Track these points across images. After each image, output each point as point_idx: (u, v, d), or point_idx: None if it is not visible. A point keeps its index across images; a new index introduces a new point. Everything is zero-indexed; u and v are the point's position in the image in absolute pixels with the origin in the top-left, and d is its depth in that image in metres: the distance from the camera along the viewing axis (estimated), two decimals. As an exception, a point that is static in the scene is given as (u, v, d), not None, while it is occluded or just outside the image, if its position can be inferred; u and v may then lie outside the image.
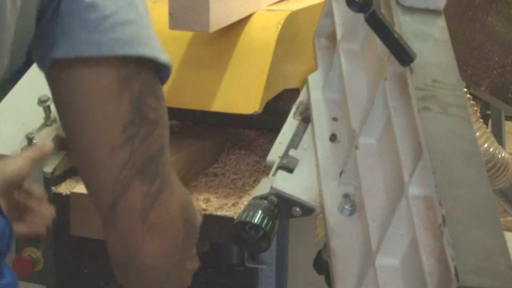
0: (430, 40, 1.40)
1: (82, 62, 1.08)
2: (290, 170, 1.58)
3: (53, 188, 1.93)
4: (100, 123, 1.10)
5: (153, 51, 1.11)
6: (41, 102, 1.98)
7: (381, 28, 1.30)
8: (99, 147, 1.11)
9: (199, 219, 1.28)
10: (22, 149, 1.94)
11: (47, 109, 1.98)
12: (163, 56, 1.12)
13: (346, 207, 1.45)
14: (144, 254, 1.14)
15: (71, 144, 1.15)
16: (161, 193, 1.14)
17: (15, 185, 1.52)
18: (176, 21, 1.83)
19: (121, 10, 1.08)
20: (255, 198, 1.56)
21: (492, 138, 2.26)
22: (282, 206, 1.54)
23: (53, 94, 1.14)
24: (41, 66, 1.14)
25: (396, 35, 1.30)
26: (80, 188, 1.86)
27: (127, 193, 1.11)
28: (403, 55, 1.32)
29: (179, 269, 1.24)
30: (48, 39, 1.10)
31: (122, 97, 1.09)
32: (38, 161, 1.59)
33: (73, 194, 1.86)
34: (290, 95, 1.97)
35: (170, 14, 1.83)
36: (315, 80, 1.72)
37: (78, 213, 1.82)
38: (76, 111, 1.11)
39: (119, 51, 1.08)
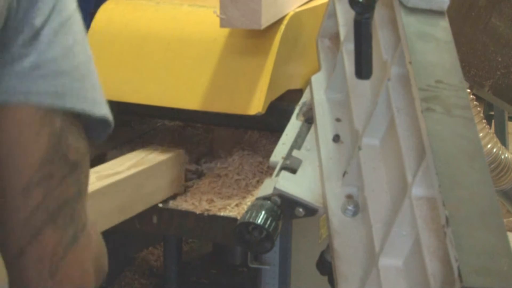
0: (433, 41, 1.40)
1: (10, 108, 0.99)
2: (293, 170, 1.58)
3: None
4: (14, 157, 0.99)
5: (82, 103, 1.01)
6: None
7: (365, 35, 1.31)
8: (10, 185, 0.99)
9: (106, 268, 1.13)
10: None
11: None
12: (99, 109, 1.03)
13: (349, 207, 1.45)
14: None
15: None
16: (75, 243, 1.02)
17: None
18: (227, 18, 1.84)
19: (56, 59, 1.00)
20: (258, 198, 1.56)
21: (496, 139, 2.26)
22: (285, 207, 1.54)
23: None
24: None
25: (371, 50, 1.31)
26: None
27: (37, 240, 0.99)
28: (364, 69, 1.33)
29: None
30: None
31: (42, 130, 0.99)
32: None
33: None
34: (293, 95, 1.97)
35: (222, 12, 1.84)
36: (318, 80, 1.72)
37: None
38: None
39: (46, 101, 0.99)
